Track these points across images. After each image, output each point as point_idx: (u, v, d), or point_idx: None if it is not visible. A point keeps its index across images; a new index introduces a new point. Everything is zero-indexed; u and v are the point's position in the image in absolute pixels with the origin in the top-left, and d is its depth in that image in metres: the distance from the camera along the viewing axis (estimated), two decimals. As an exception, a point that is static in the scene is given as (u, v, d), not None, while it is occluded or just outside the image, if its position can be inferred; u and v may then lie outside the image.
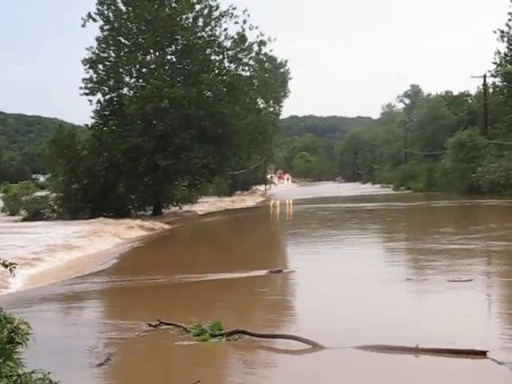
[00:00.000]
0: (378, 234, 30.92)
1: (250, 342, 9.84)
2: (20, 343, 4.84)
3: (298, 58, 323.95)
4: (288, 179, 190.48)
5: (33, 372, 4.78)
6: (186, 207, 52.41)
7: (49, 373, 4.81)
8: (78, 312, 13.95)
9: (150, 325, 10.97)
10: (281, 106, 75.41)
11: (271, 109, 68.75)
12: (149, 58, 48.57)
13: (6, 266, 5.27)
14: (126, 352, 9.68)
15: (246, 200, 76.57)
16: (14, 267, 5.31)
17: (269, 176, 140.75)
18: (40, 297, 15.38)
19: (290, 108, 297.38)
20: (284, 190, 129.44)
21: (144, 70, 48.03)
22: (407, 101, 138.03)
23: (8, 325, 4.91)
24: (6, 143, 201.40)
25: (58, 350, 9.69)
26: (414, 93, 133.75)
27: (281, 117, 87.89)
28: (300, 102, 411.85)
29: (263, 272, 17.33)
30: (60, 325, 12.19)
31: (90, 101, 47.46)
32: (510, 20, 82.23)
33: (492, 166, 61.17)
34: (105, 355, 9.08)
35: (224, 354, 9.62)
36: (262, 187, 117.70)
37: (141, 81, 48.04)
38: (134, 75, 48.57)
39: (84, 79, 46.93)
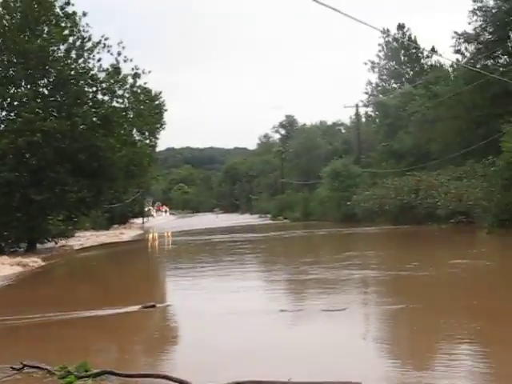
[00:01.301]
0: (254, 265, 30.95)
1: (118, 382, 9.49)
2: None
3: (174, 90, 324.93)
4: (166, 211, 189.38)
5: None
6: (61, 242, 51.33)
7: None
8: None
9: (13, 368, 10.48)
10: (157, 138, 74.26)
11: (147, 141, 67.96)
12: (20, 90, 47.46)
13: None
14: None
15: (124, 233, 75.65)
16: None
17: (146, 209, 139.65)
18: None
19: (166, 140, 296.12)
20: (162, 222, 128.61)
21: (15, 103, 46.88)
22: (283, 131, 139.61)
23: None
24: None
25: None
26: (290, 123, 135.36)
27: (157, 149, 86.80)
28: (177, 133, 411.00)
29: (136, 308, 16.96)
30: None
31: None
32: (380, 51, 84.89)
33: (366, 193, 62.43)
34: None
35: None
36: (140, 220, 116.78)
37: (12, 114, 46.90)
38: (5, 108, 47.36)
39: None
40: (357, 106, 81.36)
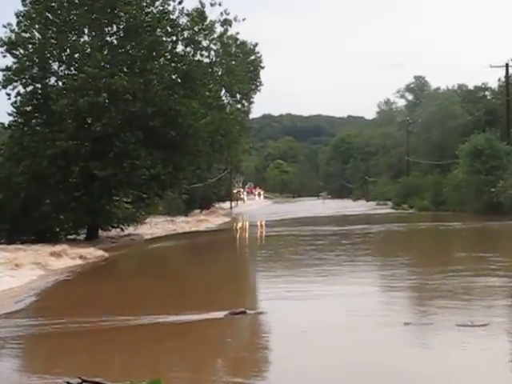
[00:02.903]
0: (365, 265, 30.75)
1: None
2: None
3: (273, 45, 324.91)
4: (260, 195, 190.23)
5: None
6: (129, 229, 51.97)
7: None
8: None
9: (68, 383, 10.66)
10: (251, 102, 75.02)
11: (238, 105, 68.42)
12: (83, 39, 48.02)
13: None
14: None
15: (207, 221, 76.30)
16: None
17: (235, 191, 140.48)
18: None
19: (262, 105, 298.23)
20: (254, 208, 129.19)
21: (77, 55, 47.39)
22: (410, 96, 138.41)
23: None
24: None
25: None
26: (419, 86, 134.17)
27: (251, 115, 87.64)
28: (276, 97, 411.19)
29: (222, 314, 17.09)
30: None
31: (9, 95, 46.69)
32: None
33: (516, 178, 61.39)
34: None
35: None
36: (227, 205, 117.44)
37: (72, 69, 47.43)
38: (65, 61, 47.87)
39: (1, 69, 46.25)
40: (506, 65, 79.13)
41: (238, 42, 58.25)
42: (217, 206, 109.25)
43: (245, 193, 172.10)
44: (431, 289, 21.29)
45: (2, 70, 46.11)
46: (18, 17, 46.85)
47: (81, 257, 35.50)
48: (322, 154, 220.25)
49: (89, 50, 46.80)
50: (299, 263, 32.00)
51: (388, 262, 31.18)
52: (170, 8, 48.97)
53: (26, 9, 47.01)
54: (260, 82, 73.12)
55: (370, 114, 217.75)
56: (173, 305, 19.48)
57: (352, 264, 30.52)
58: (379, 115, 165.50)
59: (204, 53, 50.78)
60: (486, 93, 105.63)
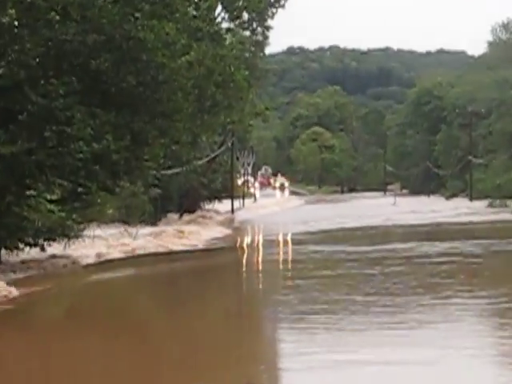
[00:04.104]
0: (463, 320, 31.04)
1: None
2: None
3: None
4: (283, 188, 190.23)
5: None
6: (55, 248, 51.97)
7: None
8: None
9: None
10: (267, 28, 75.12)
11: (246, 33, 68.64)
12: None
13: None
14: None
15: (189, 233, 76.57)
16: None
17: (240, 181, 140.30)
18: None
19: (287, 33, 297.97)
20: (273, 211, 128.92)
21: None
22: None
23: None
24: None
25: None
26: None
27: (268, 50, 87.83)
28: (311, 20, 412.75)
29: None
30: None
31: None
32: None
33: None
34: None
35: None
36: (225, 206, 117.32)
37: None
38: None
39: None
40: None
41: None
42: (208, 207, 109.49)
43: (256, 185, 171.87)
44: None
45: None
46: None
47: (-29, 296, 35.76)
48: (392, 117, 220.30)
49: None
50: (340, 310, 32.27)
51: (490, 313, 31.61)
52: None
53: None
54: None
55: (475, 47, 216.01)
56: (133, 381, 19.66)
57: (433, 312, 30.91)
58: (492, 49, 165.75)
59: None
60: None
